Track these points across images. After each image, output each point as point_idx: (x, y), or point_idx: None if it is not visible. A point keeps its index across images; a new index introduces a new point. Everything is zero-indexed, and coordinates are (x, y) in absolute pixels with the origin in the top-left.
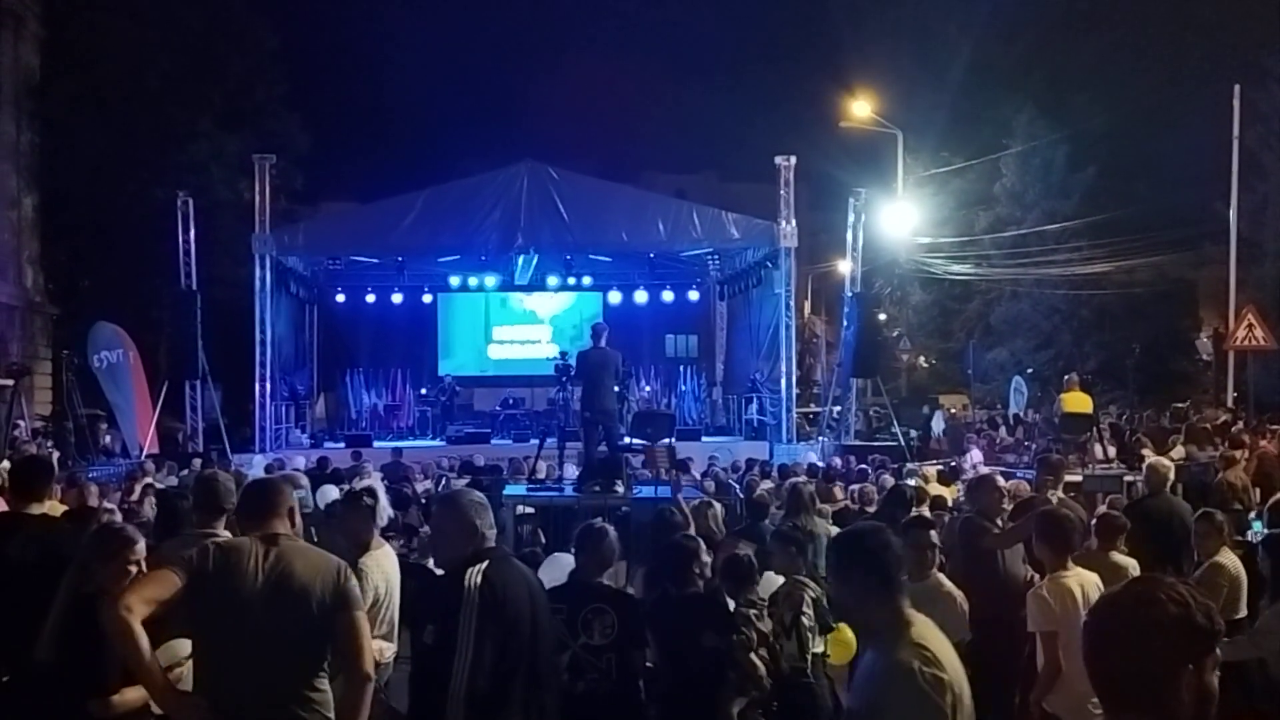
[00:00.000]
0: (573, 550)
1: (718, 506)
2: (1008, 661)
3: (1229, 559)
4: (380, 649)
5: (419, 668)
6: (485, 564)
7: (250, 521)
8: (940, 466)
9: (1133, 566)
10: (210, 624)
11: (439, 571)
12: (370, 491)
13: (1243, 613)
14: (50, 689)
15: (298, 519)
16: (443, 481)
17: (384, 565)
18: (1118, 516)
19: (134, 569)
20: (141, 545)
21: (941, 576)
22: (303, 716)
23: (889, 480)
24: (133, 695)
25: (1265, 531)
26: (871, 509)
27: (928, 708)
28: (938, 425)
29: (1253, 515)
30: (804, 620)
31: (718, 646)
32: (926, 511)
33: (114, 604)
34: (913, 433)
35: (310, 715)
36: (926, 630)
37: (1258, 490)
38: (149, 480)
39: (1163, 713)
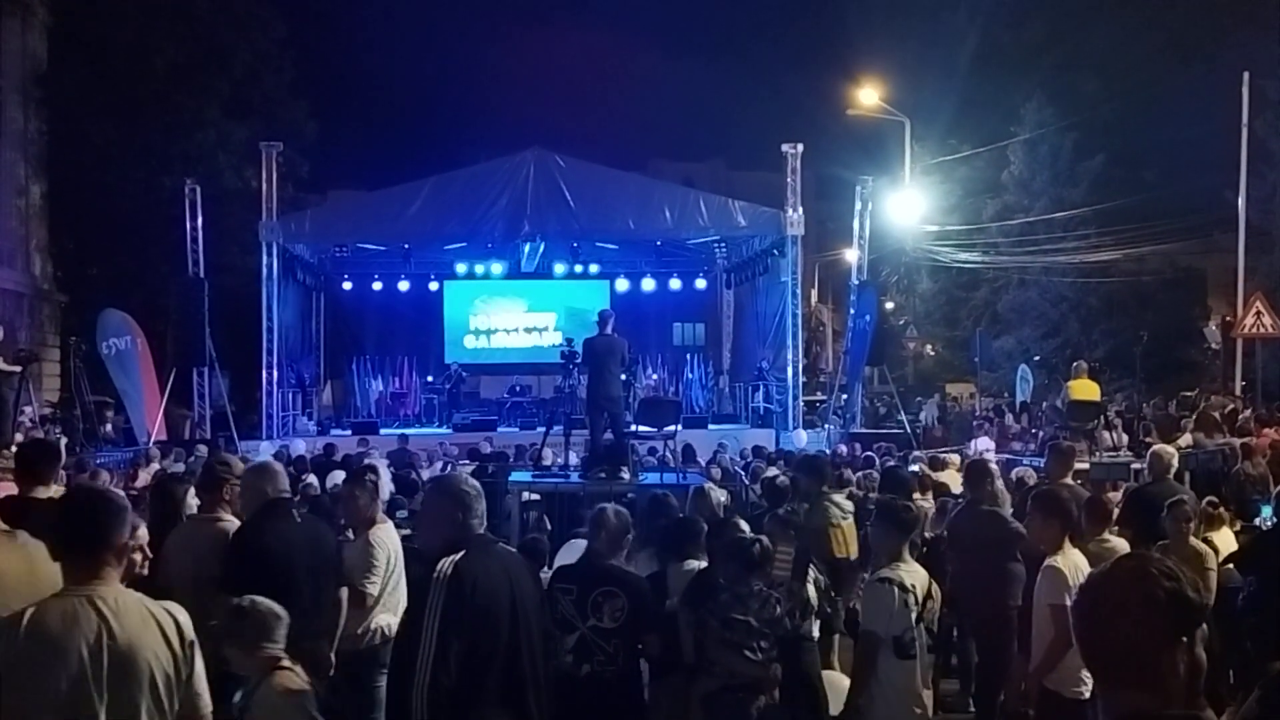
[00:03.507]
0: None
1: (719, 491)
2: (997, 651)
3: (1199, 546)
4: (387, 623)
5: (394, 658)
6: (460, 554)
7: (72, 558)
8: (957, 454)
9: (1124, 549)
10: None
11: None
12: (372, 469)
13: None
14: None
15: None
16: (448, 468)
17: (388, 539)
18: (1106, 501)
19: (138, 556)
20: (143, 530)
21: (904, 567)
22: None
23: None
24: None
25: (1275, 519)
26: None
27: None
28: (929, 413)
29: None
30: (810, 601)
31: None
32: (930, 499)
33: None
34: (919, 420)
35: None
36: None
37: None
38: (156, 466)
39: (1160, 688)
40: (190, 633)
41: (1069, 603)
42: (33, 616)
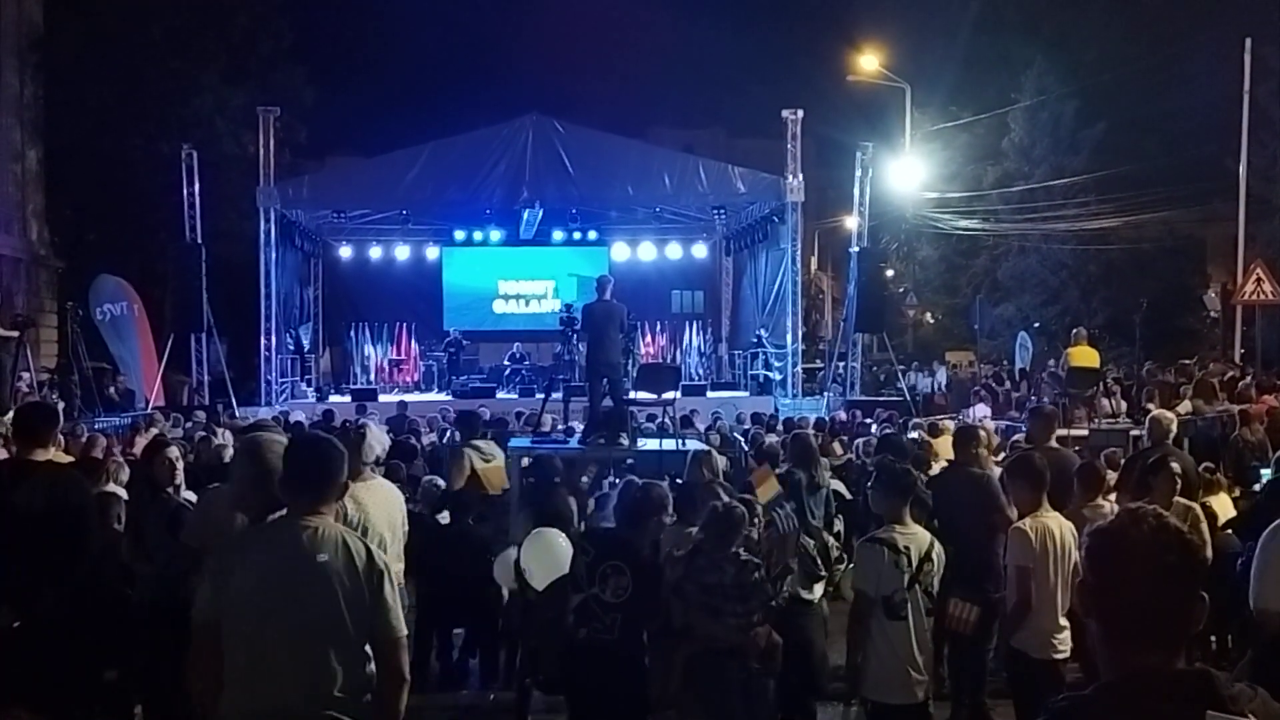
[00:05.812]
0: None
1: (715, 455)
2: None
3: (1185, 504)
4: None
5: None
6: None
7: (295, 493)
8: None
9: None
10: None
11: (444, 520)
12: (358, 426)
13: None
14: (60, 635)
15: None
16: (447, 434)
17: (358, 496)
18: (1099, 468)
19: None
20: None
21: (900, 529)
22: None
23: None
24: None
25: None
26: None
27: None
28: (938, 380)
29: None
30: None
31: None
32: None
33: None
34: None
35: None
36: None
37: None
38: (155, 431)
39: (1174, 645)
40: (380, 564)
41: (1033, 565)
42: (254, 534)
